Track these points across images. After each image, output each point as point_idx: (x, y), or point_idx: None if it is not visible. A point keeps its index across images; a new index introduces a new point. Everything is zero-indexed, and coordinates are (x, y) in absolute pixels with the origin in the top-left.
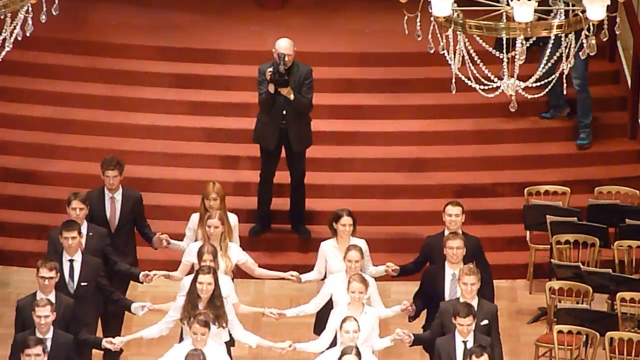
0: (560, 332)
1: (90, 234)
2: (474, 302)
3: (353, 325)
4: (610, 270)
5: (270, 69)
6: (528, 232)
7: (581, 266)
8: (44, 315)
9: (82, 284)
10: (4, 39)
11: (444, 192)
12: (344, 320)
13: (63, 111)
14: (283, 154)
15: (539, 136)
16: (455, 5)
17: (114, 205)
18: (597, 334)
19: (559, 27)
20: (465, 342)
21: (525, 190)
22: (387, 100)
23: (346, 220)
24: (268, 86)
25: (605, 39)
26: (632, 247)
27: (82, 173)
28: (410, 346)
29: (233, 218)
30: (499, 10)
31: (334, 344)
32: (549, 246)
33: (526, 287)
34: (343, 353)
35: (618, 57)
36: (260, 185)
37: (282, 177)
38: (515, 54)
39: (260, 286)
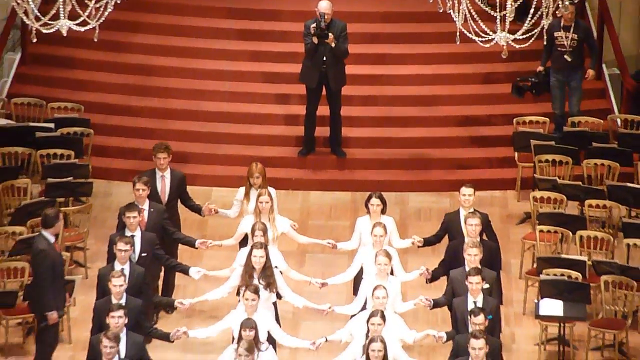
0: (541, 231)
1: (152, 210)
2: None
3: (382, 293)
4: (580, 183)
5: (314, 25)
6: (516, 154)
7: (558, 180)
8: (119, 284)
9: (143, 254)
10: (107, 3)
11: (450, 122)
12: (375, 289)
13: (151, 59)
14: (324, 92)
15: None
16: None
17: (164, 182)
18: (570, 233)
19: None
20: (475, 302)
21: (515, 120)
22: (404, 50)
23: (375, 201)
24: (312, 38)
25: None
26: (598, 165)
27: (168, 108)
28: (431, 309)
29: (273, 192)
30: None
31: (364, 308)
32: (533, 164)
33: (515, 197)
34: (371, 315)
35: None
36: (306, 117)
37: (324, 110)
38: (506, 14)
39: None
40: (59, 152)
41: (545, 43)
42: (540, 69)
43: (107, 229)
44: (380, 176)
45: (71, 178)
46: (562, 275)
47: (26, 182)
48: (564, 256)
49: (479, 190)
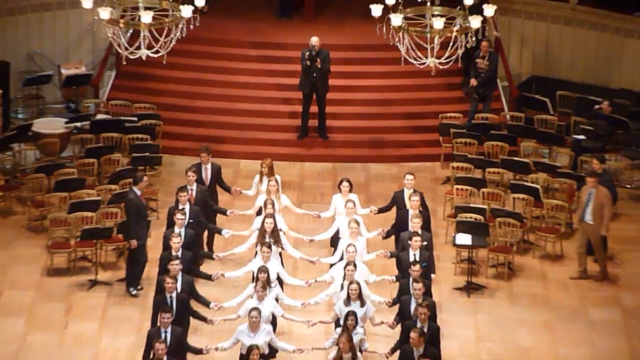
0: (457, 189)
1: (197, 190)
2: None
3: (353, 248)
4: (482, 157)
5: (307, 52)
6: (441, 137)
7: (468, 155)
8: (177, 242)
9: (191, 221)
10: (172, 38)
11: (398, 117)
12: (348, 245)
13: (200, 75)
14: (314, 96)
15: (448, 86)
16: (404, 19)
17: (206, 171)
18: (476, 189)
19: (457, 30)
20: (414, 255)
21: (440, 115)
22: (367, 69)
23: (345, 184)
24: (306, 61)
25: (480, 38)
26: (494, 145)
27: (212, 107)
28: (388, 258)
29: (279, 178)
30: (426, 22)
31: (341, 259)
32: (451, 144)
33: (440, 166)
34: (347, 264)
35: None
36: (302, 113)
37: (314, 108)
38: (434, 45)
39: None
40: (140, 135)
41: (471, 64)
42: (473, 82)
43: (171, 187)
44: (351, 152)
45: (147, 153)
46: (471, 217)
47: (118, 156)
48: (471, 205)
49: (416, 161)
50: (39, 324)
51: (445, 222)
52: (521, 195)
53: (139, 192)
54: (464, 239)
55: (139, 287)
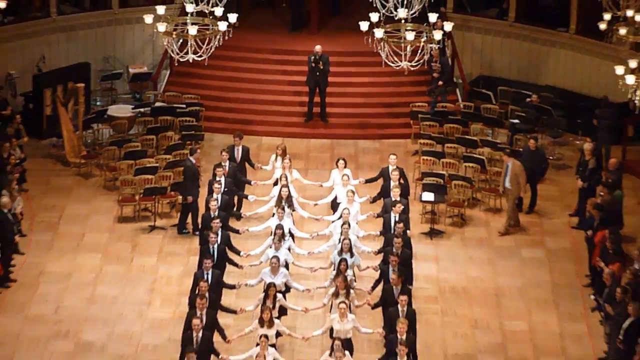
0: (423, 159)
1: (230, 166)
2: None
3: (347, 211)
4: (442, 135)
5: (312, 57)
6: (411, 121)
7: (431, 134)
8: (214, 205)
9: (225, 189)
10: (212, 45)
11: (380, 105)
12: (344, 209)
13: (232, 73)
14: (317, 90)
15: (417, 83)
16: (384, 32)
17: (238, 151)
18: (437, 159)
19: (424, 41)
20: (395, 217)
21: (410, 104)
22: (356, 70)
23: (341, 161)
24: (312, 63)
25: (439, 46)
26: (451, 127)
27: (242, 97)
28: (375, 218)
29: (289, 159)
30: (401, 35)
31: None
32: (419, 126)
33: (411, 142)
34: (343, 223)
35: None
36: (308, 102)
37: (317, 99)
38: (407, 52)
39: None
40: (187, 118)
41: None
42: (441, 83)
43: (211, 157)
44: (345, 132)
45: (193, 131)
46: (433, 180)
47: (171, 134)
48: (434, 171)
49: (393, 139)
50: (111, 258)
51: (414, 184)
52: (471, 164)
53: (193, 161)
54: (428, 196)
55: (185, 231)
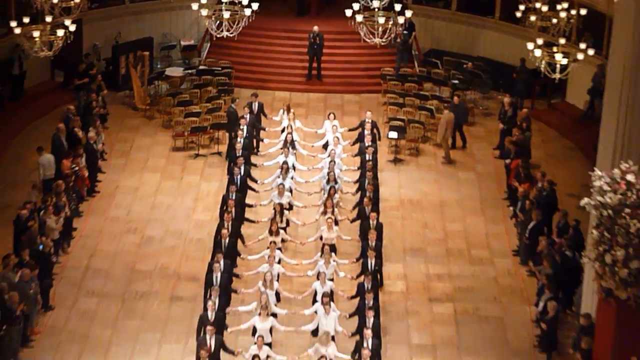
0: (390, 108)
1: (250, 117)
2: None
3: (334, 152)
4: (404, 91)
5: (311, 34)
6: (381, 80)
7: (395, 90)
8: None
9: (246, 134)
10: (241, 26)
11: (359, 69)
12: (332, 150)
13: (254, 45)
14: (315, 58)
15: (386, 54)
16: (363, 17)
17: (255, 106)
18: (400, 108)
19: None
20: (368, 157)
21: (381, 69)
22: (343, 44)
23: (331, 114)
24: (311, 39)
25: (401, 28)
26: (411, 85)
27: (260, 63)
28: (354, 154)
29: (293, 112)
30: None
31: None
32: (387, 84)
33: (381, 96)
34: (330, 160)
35: None
36: (308, 66)
37: (315, 64)
38: (379, 32)
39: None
40: (222, 78)
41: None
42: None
43: (239, 105)
44: (334, 88)
45: (226, 87)
46: (397, 123)
47: (210, 89)
48: (397, 117)
49: (368, 93)
50: (168, 177)
51: (383, 126)
52: (424, 112)
53: (234, 107)
54: (393, 134)
55: (219, 153)
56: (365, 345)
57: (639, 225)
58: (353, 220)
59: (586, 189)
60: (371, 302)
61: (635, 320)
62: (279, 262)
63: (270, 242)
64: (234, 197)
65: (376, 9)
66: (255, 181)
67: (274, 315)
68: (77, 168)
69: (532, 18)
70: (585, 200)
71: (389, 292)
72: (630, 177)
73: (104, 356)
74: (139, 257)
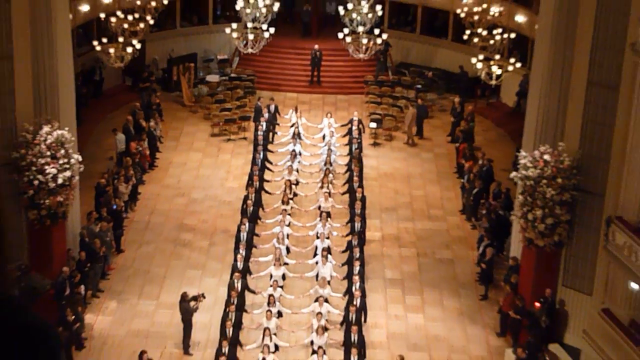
0: (372, 105)
1: (270, 114)
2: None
3: (330, 142)
4: (386, 91)
5: (313, 51)
6: (364, 84)
7: (375, 93)
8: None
9: (265, 129)
10: (262, 45)
11: (347, 77)
12: (327, 140)
13: (273, 57)
14: (316, 68)
15: (368, 65)
16: (352, 39)
17: (272, 107)
18: (378, 105)
19: (372, 44)
20: (355, 145)
21: (364, 76)
22: (336, 58)
23: (328, 114)
24: (313, 55)
25: (380, 44)
26: (387, 89)
27: (274, 71)
28: (343, 136)
29: (300, 111)
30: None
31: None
32: (368, 88)
33: (364, 96)
34: (327, 148)
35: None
36: (311, 74)
37: (316, 73)
38: (363, 49)
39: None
40: (248, 83)
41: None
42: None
43: (263, 103)
44: (330, 91)
45: (250, 89)
46: (376, 116)
47: (239, 91)
48: (376, 112)
49: (355, 94)
50: (207, 155)
51: (366, 118)
52: (395, 108)
53: (260, 104)
54: (373, 125)
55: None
56: (354, 288)
57: (553, 192)
58: (343, 194)
59: (514, 165)
60: (357, 255)
61: (550, 262)
62: (288, 225)
63: (282, 210)
64: (257, 174)
65: (361, 33)
66: (271, 163)
67: (286, 264)
68: (141, 148)
69: (475, 40)
70: (514, 173)
71: (369, 240)
72: (546, 157)
73: (160, 286)
74: (186, 214)
